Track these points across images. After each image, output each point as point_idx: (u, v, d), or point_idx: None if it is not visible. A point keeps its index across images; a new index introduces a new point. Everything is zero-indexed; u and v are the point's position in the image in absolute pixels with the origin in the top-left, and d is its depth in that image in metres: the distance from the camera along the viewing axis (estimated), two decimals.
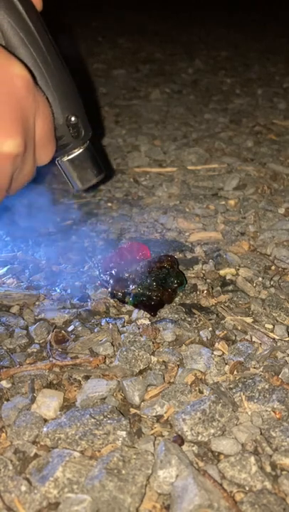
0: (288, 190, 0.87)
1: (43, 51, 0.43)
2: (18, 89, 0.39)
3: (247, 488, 0.38)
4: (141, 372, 0.49)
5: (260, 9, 2.63)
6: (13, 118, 0.39)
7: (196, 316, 0.56)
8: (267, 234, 0.72)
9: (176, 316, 0.56)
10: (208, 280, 0.62)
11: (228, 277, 0.63)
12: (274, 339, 0.53)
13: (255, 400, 0.45)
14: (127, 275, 0.59)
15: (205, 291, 0.60)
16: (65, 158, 0.50)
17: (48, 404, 0.44)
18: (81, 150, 0.50)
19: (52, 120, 0.44)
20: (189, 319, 0.56)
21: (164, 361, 0.50)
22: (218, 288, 0.61)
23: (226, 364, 0.49)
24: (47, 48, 0.44)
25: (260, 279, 0.62)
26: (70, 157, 0.50)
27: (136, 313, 0.56)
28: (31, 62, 0.43)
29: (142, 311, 0.56)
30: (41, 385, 0.47)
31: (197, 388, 0.46)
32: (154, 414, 0.44)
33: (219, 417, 0.43)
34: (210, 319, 0.56)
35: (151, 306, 0.56)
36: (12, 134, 0.39)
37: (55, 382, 0.48)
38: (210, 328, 0.54)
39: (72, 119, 0.47)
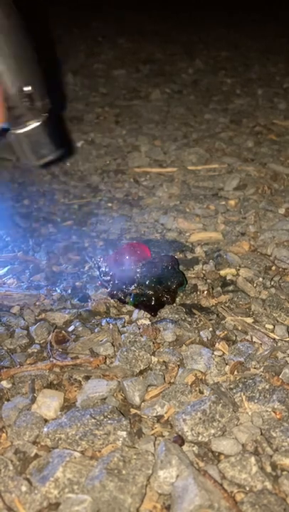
0: (288, 191, 0.87)
1: (1, 17, 0.42)
2: None
3: (247, 489, 0.38)
4: (141, 372, 0.49)
5: (261, 9, 2.63)
6: None
7: (196, 316, 0.56)
8: (267, 234, 0.72)
9: (176, 316, 0.56)
10: (208, 280, 0.62)
11: (228, 277, 0.63)
12: (274, 339, 0.53)
13: (256, 400, 0.45)
14: (127, 275, 0.59)
15: (205, 292, 0.60)
16: (20, 131, 0.48)
17: (49, 404, 0.44)
18: (37, 123, 0.48)
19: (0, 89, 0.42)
20: (190, 319, 0.56)
21: (164, 361, 0.50)
22: (219, 288, 0.61)
23: (227, 364, 0.49)
24: (6, 14, 0.42)
25: (260, 279, 0.62)
26: (24, 130, 0.48)
27: (136, 313, 0.56)
28: None
29: (143, 312, 0.56)
30: (42, 385, 0.47)
31: (197, 388, 0.46)
32: (154, 414, 0.44)
33: (219, 417, 0.43)
34: (210, 319, 0.56)
35: (152, 307, 0.56)
36: None
37: (55, 382, 0.48)
38: (210, 329, 0.54)
39: (25, 89, 0.45)
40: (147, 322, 0.54)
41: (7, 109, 0.44)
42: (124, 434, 0.41)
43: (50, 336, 0.53)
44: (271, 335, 0.53)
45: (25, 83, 0.45)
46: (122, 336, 0.53)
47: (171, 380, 0.48)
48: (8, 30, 0.43)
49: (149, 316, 0.56)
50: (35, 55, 0.45)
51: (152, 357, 0.50)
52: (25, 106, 0.46)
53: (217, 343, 0.52)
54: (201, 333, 0.54)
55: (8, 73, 0.44)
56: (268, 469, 0.39)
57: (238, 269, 0.64)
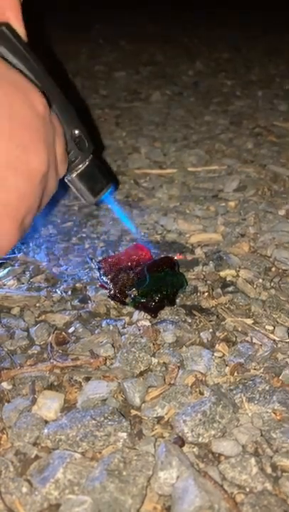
0: (288, 192, 0.87)
1: (42, 77, 0.46)
2: (41, 113, 0.42)
3: (247, 490, 0.38)
4: (141, 373, 0.49)
5: (261, 10, 2.64)
6: (39, 139, 0.42)
7: (196, 317, 0.56)
8: (267, 235, 0.72)
9: (176, 317, 0.56)
10: (208, 281, 0.62)
11: (228, 279, 0.63)
12: (274, 340, 0.53)
13: (256, 402, 0.45)
14: (127, 277, 0.59)
15: (205, 293, 0.60)
16: (74, 174, 0.51)
17: (49, 405, 0.44)
18: (87, 163, 0.51)
19: (65, 137, 0.47)
20: (190, 321, 0.56)
21: (164, 362, 0.50)
22: (219, 289, 0.61)
23: (227, 365, 0.50)
24: (43, 73, 0.46)
25: (260, 280, 0.62)
26: (78, 172, 0.51)
27: (136, 314, 0.56)
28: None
29: (143, 313, 0.56)
30: (42, 386, 0.47)
31: (198, 389, 0.46)
32: (154, 415, 0.44)
33: (220, 418, 0.43)
34: (210, 321, 0.56)
35: (152, 308, 0.56)
36: (39, 153, 0.42)
37: (55, 383, 0.48)
38: (210, 330, 0.54)
39: (76, 132, 0.48)
40: (147, 323, 0.54)
41: None
42: (124, 435, 0.41)
43: (50, 338, 0.53)
44: (271, 336, 0.53)
45: (74, 128, 0.48)
46: (122, 337, 0.53)
47: (172, 381, 0.48)
48: (48, 84, 0.46)
49: (149, 317, 0.56)
50: (68, 100, 0.49)
51: (152, 358, 0.50)
52: (78, 148, 0.49)
53: (217, 344, 0.52)
54: (201, 334, 0.54)
55: (61, 122, 0.47)
56: (268, 470, 0.39)
57: (238, 271, 0.64)
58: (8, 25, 0.45)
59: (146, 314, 0.56)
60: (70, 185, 0.53)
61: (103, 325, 0.55)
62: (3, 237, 0.42)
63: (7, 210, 0.41)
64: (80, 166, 0.51)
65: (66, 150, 0.47)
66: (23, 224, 0.43)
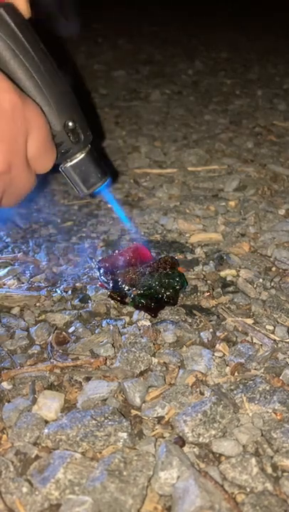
0: (288, 192, 0.87)
1: (35, 61, 0.44)
2: (5, 112, 0.41)
3: (248, 490, 0.38)
4: (142, 373, 0.49)
5: (260, 10, 2.64)
6: None
7: (196, 317, 0.56)
8: (267, 235, 0.72)
9: (176, 317, 0.56)
10: (208, 281, 0.62)
11: (228, 278, 0.63)
12: (275, 340, 0.53)
13: (256, 402, 0.45)
14: (127, 276, 0.59)
15: (206, 293, 0.60)
16: (68, 164, 0.50)
17: (49, 405, 0.44)
18: (83, 155, 0.50)
19: (47, 130, 0.45)
20: (190, 320, 0.56)
21: (164, 362, 0.50)
22: (219, 289, 0.61)
23: (227, 365, 0.50)
24: (39, 57, 0.44)
25: (260, 280, 0.62)
26: (72, 163, 0.50)
27: (136, 314, 0.56)
28: (24, 73, 0.44)
29: (143, 313, 0.56)
30: (42, 386, 0.47)
31: (198, 389, 0.46)
32: (155, 415, 0.44)
33: (220, 418, 0.43)
34: (210, 320, 0.56)
35: (152, 308, 0.56)
36: None
37: (56, 383, 0.48)
38: (211, 330, 0.54)
39: (70, 124, 0.47)
40: (148, 323, 0.54)
41: (55, 145, 0.47)
42: (124, 435, 0.41)
43: (50, 337, 0.53)
44: (271, 336, 0.53)
45: (68, 119, 0.47)
46: (123, 337, 0.53)
47: (172, 381, 0.48)
48: (43, 71, 0.44)
49: (149, 317, 0.56)
50: (69, 88, 0.48)
51: (153, 358, 0.50)
52: (71, 140, 0.48)
53: (217, 344, 0.52)
54: (201, 334, 0.54)
55: (52, 113, 0.46)
56: (269, 470, 0.39)
57: (238, 270, 0.64)
58: (8, 7, 0.43)
59: (146, 314, 0.56)
60: (65, 175, 0.52)
61: (103, 325, 0.55)
62: None
63: None
64: (75, 157, 0.50)
65: (50, 142, 0.46)
66: None
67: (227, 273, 0.64)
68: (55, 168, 0.49)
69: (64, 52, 1.75)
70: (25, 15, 0.45)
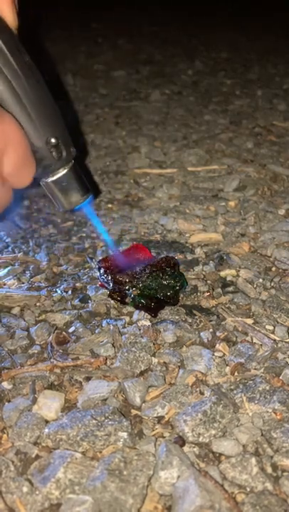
0: (288, 192, 0.87)
1: (18, 75, 0.42)
2: None
3: (248, 489, 0.38)
4: (142, 373, 0.49)
5: (260, 10, 2.64)
6: None
7: (196, 317, 0.56)
8: (267, 235, 0.72)
9: (176, 317, 0.56)
10: (208, 281, 0.62)
11: (228, 278, 0.63)
12: (275, 340, 0.53)
13: (256, 401, 0.45)
14: (127, 276, 0.59)
15: (205, 293, 0.60)
16: (50, 179, 0.49)
17: (50, 405, 0.44)
18: (65, 170, 0.49)
19: (25, 146, 0.44)
20: (190, 320, 0.56)
21: (164, 362, 0.50)
22: (219, 289, 0.61)
23: (227, 365, 0.50)
24: (23, 71, 0.43)
25: (260, 280, 0.62)
26: (54, 178, 0.49)
27: (137, 314, 0.56)
28: (6, 87, 0.42)
29: (143, 313, 0.56)
30: (42, 386, 0.47)
31: (198, 389, 0.46)
32: (155, 415, 0.44)
33: (220, 418, 0.43)
34: (210, 320, 0.56)
35: (152, 308, 0.56)
36: None
37: (56, 383, 0.48)
38: (210, 330, 0.54)
39: (53, 140, 0.46)
40: (148, 323, 0.55)
41: (36, 161, 0.46)
42: (125, 435, 0.41)
43: (50, 337, 0.53)
44: (271, 336, 0.53)
45: (50, 135, 0.46)
46: (123, 337, 0.53)
47: (172, 381, 0.48)
48: (26, 86, 0.43)
49: (149, 317, 0.56)
50: (55, 104, 0.47)
51: (153, 358, 0.50)
52: (53, 156, 0.47)
53: (217, 344, 0.52)
54: (201, 334, 0.54)
55: (34, 129, 0.45)
56: (269, 470, 0.39)
57: (238, 270, 0.64)
58: None
59: (146, 314, 0.56)
60: (45, 190, 0.50)
61: (103, 324, 0.55)
62: None
63: None
64: (57, 172, 0.49)
65: (28, 158, 0.45)
66: None
67: (227, 273, 0.64)
68: (37, 181, 0.48)
69: (64, 52, 1.75)
70: (11, 24, 0.43)
